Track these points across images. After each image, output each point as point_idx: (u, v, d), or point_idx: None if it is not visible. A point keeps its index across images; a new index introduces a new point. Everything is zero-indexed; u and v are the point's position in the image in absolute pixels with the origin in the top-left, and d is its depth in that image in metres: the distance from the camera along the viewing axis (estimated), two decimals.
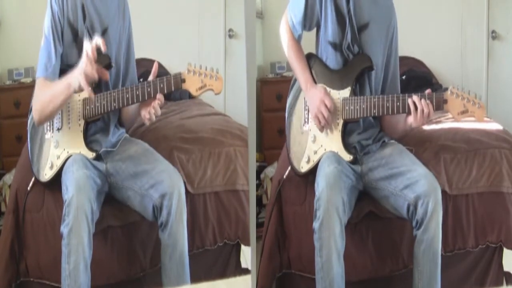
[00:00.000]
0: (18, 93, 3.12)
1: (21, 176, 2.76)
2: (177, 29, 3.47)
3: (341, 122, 2.69)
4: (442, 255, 2.61)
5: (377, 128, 2.76)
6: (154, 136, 2.84)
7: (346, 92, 2.69)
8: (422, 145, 2.82)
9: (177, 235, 2.59)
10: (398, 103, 2.59)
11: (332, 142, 2.69)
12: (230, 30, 3.44)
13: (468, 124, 2.95)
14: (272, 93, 3.37)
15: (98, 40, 2.52)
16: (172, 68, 3.42)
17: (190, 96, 2.69)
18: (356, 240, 2.75)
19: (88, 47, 2.52)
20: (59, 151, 2.67)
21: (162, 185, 2.60)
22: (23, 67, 3.16)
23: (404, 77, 3.20)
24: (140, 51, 2.89)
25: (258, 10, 3.38)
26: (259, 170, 3.24)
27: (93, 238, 2.54)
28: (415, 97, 2.55)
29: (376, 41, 2.71)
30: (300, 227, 2.79)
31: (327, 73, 2.74)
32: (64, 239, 2.51)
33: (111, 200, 2.67)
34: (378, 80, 2.74)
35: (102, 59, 2.64)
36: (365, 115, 2.66)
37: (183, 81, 2.57)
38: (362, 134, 2.73)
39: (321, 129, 2.71)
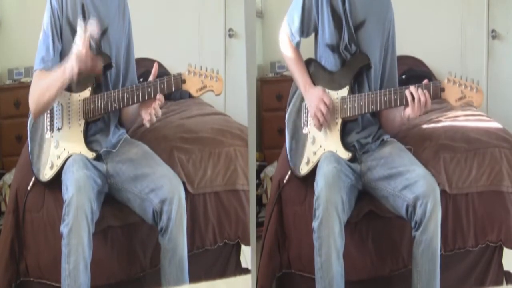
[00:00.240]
0: (18, 93, 3.12)
1: (21, 176, 2.76)
2: (177, 29, 3.46)
3: (339, 121, 2.69)
4: (442, 254, 2.62)
5: (376, 125, 2.76)
6: (154, 136, 2.84)
7: (344, 92, 2.69)
8: (422, 144, 2.82)
9: (177, 240, 2.59)
10: (395, 96, 2.60)
11: (331, 141, 2.70)
12: (230, 29, 3.44)
13: (468, 123, 2.96)
14: (272, 93, 3.37)
15: (91, 22, 2.53)
16: (172, 68, 3.41)
17: (190, 96, 2.69)
18: (356, 239, 2.75)
19: (81, 30, 2.52)
20: (59, 151, 2.67)
21: (162, 190, 2.60)
22: (23, 67, 3.15)
23: (404, 76, 3.20)
24: (140, 51, 2.89)
25: (258, 9, 3.38)
26: (259, 170, 3.24)
27: (93, 238, 2.54)
28: (412, 87, 2.56)
29: (373, 37, 2.71)
30: (300, 227, 2.80)
31: (326, 75, 2.75)
32: (64, 239, 2.51)
33: (111, 200, 2.68)
34: (377, 76, 2.74)
35: (103, 59, 2.65)
36: (363, 112, 2.66)
37: (184, 81, 2.58)
38: (361, 133, 2.73)
39: (320, 128, 2.71)
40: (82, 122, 2.65)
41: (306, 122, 2.79)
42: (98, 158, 2.65)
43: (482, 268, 2.83)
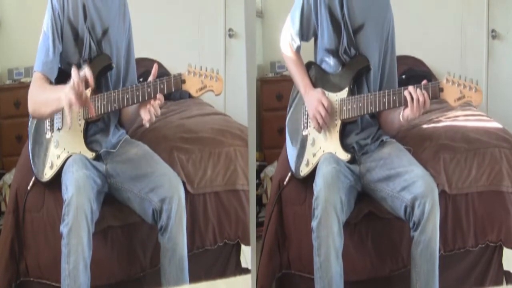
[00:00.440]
0: (18, 93, 3.12)
1: (21, 175, 2.77)
2: (177, 29, 3.46)
3: (339, 123, 2.69)
4: (441, 254, 2.62)
5: (375, 126, 2.76)
6: (154, 136, 2.84)
7: (343, 93, 2.70)
8: (421, 145, 2.82)
9: (177, 239, 2.59)
10: (394, 97, 2.60)
11: (330, 143, 2.70)
12: (230, 29, 3.44)
13: (468, 123, 2.95)
14: (272, 93, 3.37)
15: (87, 71, 2.51)
16: (172, 67, 3.42)
17: (190, 96, 2.68)
18: (356, 240, 2.75)
19: (75, 76, 2.48)
20: (59, 151, 2.67)
21: (162, 189, 2.60)
22: (23, 67, 3.15)
23: (403, 76, 3.20)
24: (140, 51, 2.90)
25: (258, 9, 3.38)
26: (259, 170, 3.24)
27: (93, 238, 2.54)
28: (410, 88, 2.55)
29: (372, 40, 2.71)
30: (300, 227, 2.80)
31: (325, 77, 2.76)
32: (64, 239, 2.51)
33: (111, 200, 2.68)
34: (376, 78, 2.74)
35: (103, 60, 2.65)
36: (362, 113, 2.67)
37: (183, 82, 2.58)
38: (360, 134, 2.73)
39: (319, 129, 2.72)
40: (82, 122, 2.66)
41: (306, 124, 2.79)
42: (98, 158, 2.65)
43: (482, 268, 2.83)
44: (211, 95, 2.62)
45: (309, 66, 2.81)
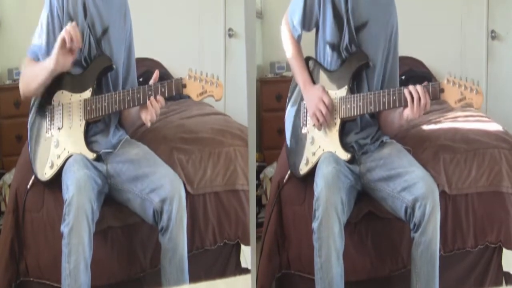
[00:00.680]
0: (18, 93, 3.09)
1: (21, 175, 2.76)
2: (177, 29, 3.46)
3: (338, 121, 2.69)
4: (441, 255, 2.62)
5: (375, 127, 2.76)
6: (154, 136, 2.84)
7: (343, 91, 2.69)
8: (421, 145, 2.82)
9: (177, 240, 2.60)
10: (394, 97, 2.59)
11: (330, 142, 2.69)
12: (230, 29, 3.44)
13: (467, 124, 2.96)
14: (272, 93, 3.37)
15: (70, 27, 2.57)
16: (172, 67, 3.42)
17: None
18: (356, 240, 2.75)
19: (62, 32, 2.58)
20: (59, 150, 2.67)
21: (162, 189, 2.60)
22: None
23: (403, 77, 3.20)
24: (140, 51, 2.90)
25: (258, 10, 3.38)
26: (259, 170, 3.24)
27: (93, 238, 2.54)
28: (411, 87, 2.55)
29: (375, 39, 2.70)
30: (299, 227, 2.80)
31: (325, 74, 2.74)
32: (65, 239, 2.51)
33: (111, 201, 2.67)
34: (378, 78, 2.73)
35: (103, 61, 2.66)
36: (361, 112, 2.66)
37: (184, 86, 2.59)
38: (359, 134, 2.73)
39: (319, 127, 2.71)
40: (83, 122, 2.66)
41: (305, 122, 2.78)
42: (98, 158, 2.65)
43: (481, 269, 2.83)
44: None
45: (307, 61, 2.80)
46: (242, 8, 2.88)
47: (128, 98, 2.61)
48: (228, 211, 2.86)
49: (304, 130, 2.78)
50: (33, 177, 2.72)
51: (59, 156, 2.67)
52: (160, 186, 2.61)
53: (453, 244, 2.77)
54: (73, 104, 2.67)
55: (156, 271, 2.71)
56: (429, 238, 2.54)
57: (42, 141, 2.71)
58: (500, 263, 2.82)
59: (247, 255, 2.89)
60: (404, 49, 2.78)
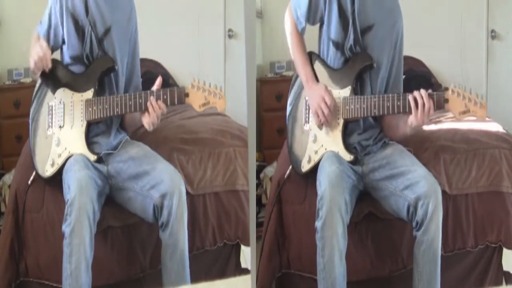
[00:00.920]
0: (18, 93, 3.12)
1: (21, 176, 2.76)
2: (177, 29, 3.46)
3: (341, 121, 2.69)
4: (441, 255, 2.61)
5: (377, 128, 2.76)
6: (155, 137, 2.84)
7: (346, 91, 2.69)
8: (422, 145, 2.82)
9: (178, 235, 2.59)
10: (398, 103, 2.59)
11: (333, 141, 2.69)
12: (229, 30, 3.43)
13: (467, 124, 2.95)
14: (272, 93, 3.37)
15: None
16: (172, 68, 3.42)
17: None
18: (356, 240, 2.75)
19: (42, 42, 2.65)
20: (60, 149, 2.67)
21: (162, 184, 2.60)
22: (23, 67, 3.15)
23: (403, 76, 3.20)
24: (140, 51, 2.89)
25: (258, 9, 3.38)
26: (259, 170, 3.24)
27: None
28: (415, 93, 2.55)
29: (380, 43, 2.70)
30: (300, 227, 2.79)
31: (328, 71, 2.74)
32: (66, 239, 2.51)
33: (111, 201, 2.67)
34: (382, 81, 2.73)
35: (105, 62, 2.66)
36: (365, 115, 2.66)
37: (187, 95, 2.60)
38: (362, 135, 2.72)
39: (320, 126, 2.71)
40: (84, 123, 2.66)
41: (307, 119, 2.78)
42: (99, 160, 2.65)
43: (481, 268, 2.83)
44: None
45: (310, 57, 2.79)
46: (242, 8, 2.88)
47: (130, 102, 2.61)
48: (228, 212, 2.86)
49: (306, 127, 2.78)
50: (34, 173, 2.72)
51: (60, 155, 2.67)
52: (160, 182, 2.61)
53: (454, 244, 2.78)
54: (74, 103, 2.67)
55: (156, 272, 2.71)
56: (432, 237, 2.54)
57: (43, 137, 2.72)
58: (500, 262, 2.83)
59: (247, 256, 2.89)
60: (404, 49, 2.78)
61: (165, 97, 2.59)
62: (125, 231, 2.74)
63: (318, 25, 2.79)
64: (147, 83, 2.78)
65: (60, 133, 2.68)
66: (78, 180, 2.55)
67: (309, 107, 2.76)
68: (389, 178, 2.62)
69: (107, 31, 2.69)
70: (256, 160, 3.10)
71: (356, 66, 2.69)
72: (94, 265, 2.55)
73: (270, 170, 3.23)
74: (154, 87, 2.62)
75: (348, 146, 2.68)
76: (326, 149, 2.69)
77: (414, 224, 2.57)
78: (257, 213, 3.05)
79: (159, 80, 2.63)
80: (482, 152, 2.83)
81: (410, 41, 2.89)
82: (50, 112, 2.70)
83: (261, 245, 2.85)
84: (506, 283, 2.84)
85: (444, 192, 2.71)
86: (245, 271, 2.89)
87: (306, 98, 2.77)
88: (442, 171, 2.77)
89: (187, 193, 2.72)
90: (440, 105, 2.54)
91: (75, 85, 2.68)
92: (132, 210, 2.67)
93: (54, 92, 2.70)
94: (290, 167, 2.82)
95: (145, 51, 3.07)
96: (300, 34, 2.80)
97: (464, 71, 3.49)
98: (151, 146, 2.75)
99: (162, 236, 2.61)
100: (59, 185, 2.64)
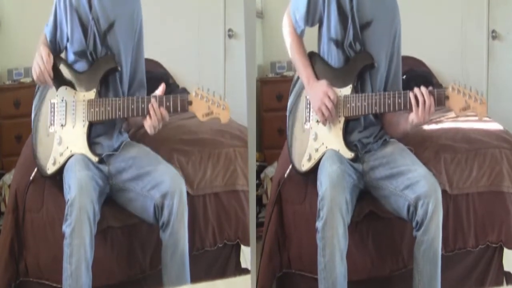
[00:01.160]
0: (18, 93, 3.12)
1: (21, 175, 2.76)
2: (177, 29, 3.46)
3: (342, 119, 2.68)
4: (442, 255, 2.61)
5: (378, 126, 2.76)
6: (154, 137, 2.82)
7: (347, 90, 2.69)
8: (422, 145, 2.82)
9: (179, 235, 2.59)
10: (399, 100, 2.59)
11: (333, 139, 2.69)
12: (229, 30, 3.44)
13: (468, 124, 2.95)
14: (272, 93, 3.37)
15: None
16: (172, 68, 3.42)
17: None
18: (356, 239, 2.74)
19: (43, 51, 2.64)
20: (62, 148, 2.67)
21: (163, 185, 2.60)
22: (23, 67, 3.16)
23: (404, 76, 3.19)
24: None
25: (258, 9, 3.38)
26: (259, 170, 3.24)
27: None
28: (416, 90, 2.55)
29: (379, 39, 2.70)
30: (300, 226, 2.79)
31: (329, 70, 2.73)
32: (66, 239, 2.51)
33: (111, 201, 2.67)
34: (381, 78, 2.73)
35: (108, 62, 2.66)
36: (366, 113, 2.66)
37: (190, 103, 2.58)
38: (363, 132, 2.72)
39: (324, 122, 2.70)
40: (86, 123, 2.65)
41: (308, 118, 2.77)
42: (100, 160, 2.65)
43: (482, 268, 2.83)
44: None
45: (310, 56, 2.78)
46: (242, 8, 2.88)
47: (132, 106, 2.60)
48: (228, 212, 2.86)
49: (306, 126, 2.77)
50: (35, 171, 2.71)
51: (61, 154, 2.67)
52: (161, 182, 2.61)
53: (454, 244, 2.77)
54: (77, 102, 2.66)
55: (156, 273, 2.71)
56: (432, 237, 2.53)
57: (44, 134, 2.71)
58: (501, 262, 2.83)
59: (247, 256, 2.89)
60: (405, 49, 2.78)
61: (168, 104, 2.58)
62: (125, 231, 2.74)
63: (317, 25, 2.79)
64: (147, 83, 2.78)
65: (62, 132, 2.68)
66: (78, 180, 2.54)
67: (309, 106, 2.75)
68: (389, 178, 2.62)
69: (111, 26, 2.69)
70: (257, 160, 3.10)
71: (357, 65, 2.69)
72: (94, 265, 2.55)
73: (270, 170, 3.23)
74: (158, 92, 2.60)
75: (348, 144, 2.68)
76: (326, 147, 2.69)
77: (414, 224, 2.56)
78: (258, 213, 3.05)
79: (162, 87, 2.61)
80: (483, 151, 2.83)
81: (411, 41, 2.89)
82: (52, 109, 2.70)
83: (262, 245, 2.84)
84: (507, 283, 2.84)
85: (444, 192, 2.71)
86: (245, 271, 2.89)
87: (307, 97, 2.77)
88: (443, 170, 2.77)
89: (187, 193, 2.72)
90: (441, 102, 2.54)
91: (77, 84, 2.68)
92: (133, 211, 2.67)
93: (56, 89, 2.70)
94: (290, 167, 2.81)
95: (145, 51, 3.07)
96: (299, 37, 2.80)
97: (465, 71, 3.49)
98: (151, 147, 2.75)
99: (163, 236, 2.61)
100: (59, 185, 2.64)
